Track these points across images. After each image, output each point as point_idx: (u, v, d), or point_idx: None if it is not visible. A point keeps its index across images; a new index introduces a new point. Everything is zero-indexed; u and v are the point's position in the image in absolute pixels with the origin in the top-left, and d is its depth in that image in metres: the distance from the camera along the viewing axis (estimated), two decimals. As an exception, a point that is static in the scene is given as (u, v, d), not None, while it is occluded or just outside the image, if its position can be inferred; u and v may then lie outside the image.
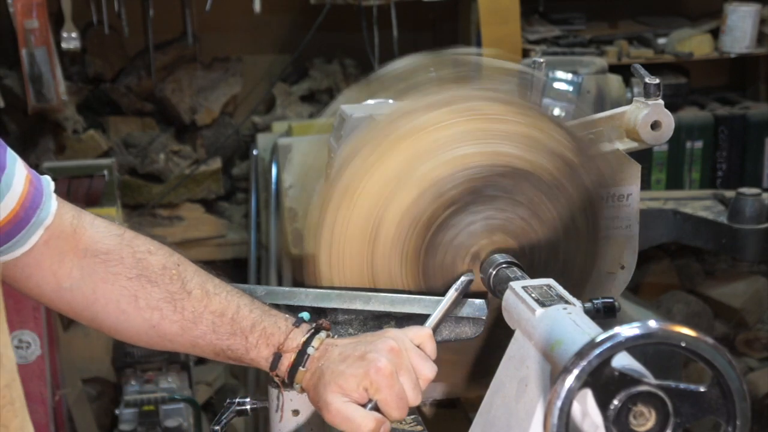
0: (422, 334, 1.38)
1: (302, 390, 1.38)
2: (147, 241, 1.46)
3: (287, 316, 1.42)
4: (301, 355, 1.37)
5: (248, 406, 1.51)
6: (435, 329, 1.41)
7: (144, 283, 1.42)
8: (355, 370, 1.30)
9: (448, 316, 1.44)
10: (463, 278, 1.47)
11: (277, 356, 1.38)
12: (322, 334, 1.39)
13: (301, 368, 1.37)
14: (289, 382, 1.39)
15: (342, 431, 1.32)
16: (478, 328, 1.45)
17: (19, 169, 1.38)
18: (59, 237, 1.42)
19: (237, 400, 1.51)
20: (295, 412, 1.46)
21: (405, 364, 1.32)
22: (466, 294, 1.47)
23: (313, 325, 1.41)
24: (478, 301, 1.48)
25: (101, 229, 1.45)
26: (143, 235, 1.47)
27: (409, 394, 1.31)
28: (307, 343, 1.38)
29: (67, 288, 1.43)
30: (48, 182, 1.44)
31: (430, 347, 1.37)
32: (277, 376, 1.40)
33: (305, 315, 1.43)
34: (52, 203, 1.42)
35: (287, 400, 1.46)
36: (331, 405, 1.30)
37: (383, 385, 1.29)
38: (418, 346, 1.35)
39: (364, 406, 1.31)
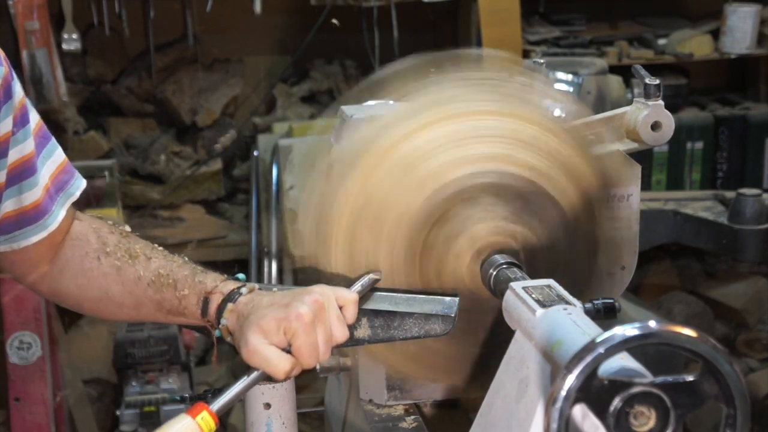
0: (348, 297, 1.41)
1: (228, 332, 1.41)
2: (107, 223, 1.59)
3: (224, 275, 1.48)
4: (231, 297, 1.42)
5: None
6: (360, 297, 1.43)
7: (100, 254, 1.52)
8: (278, 313, 1.35)
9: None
10: (372, 275, 1.48)
11: (206, 301, 1.43)
12: (255, 284, 1.44)
13: (230, 303, 1.41)
14: (216, 323, 1.42)
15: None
16: (447, 326, 1.45)
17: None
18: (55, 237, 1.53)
19: (212, 389, 1.52)
20: (267, 406, 1.49)
21: (324, 318, 1.37)
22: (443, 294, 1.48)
23: (247, 281, 1.46)
24: (448, 298, 1.48)
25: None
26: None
27: (321, 347, 1.36)
28: (237, 290, 1.43)
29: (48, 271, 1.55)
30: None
31: (351, 312, 1.41)
32: (208, 322, 1.44)
33: (241, 275, 1.48)
34: (61, 212, 1.53)
35: (259, 394, 1.49)
36: (250, 343, 1.34)
37: (300, 331, 1.34)
38: (341, 308, 1.40)
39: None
